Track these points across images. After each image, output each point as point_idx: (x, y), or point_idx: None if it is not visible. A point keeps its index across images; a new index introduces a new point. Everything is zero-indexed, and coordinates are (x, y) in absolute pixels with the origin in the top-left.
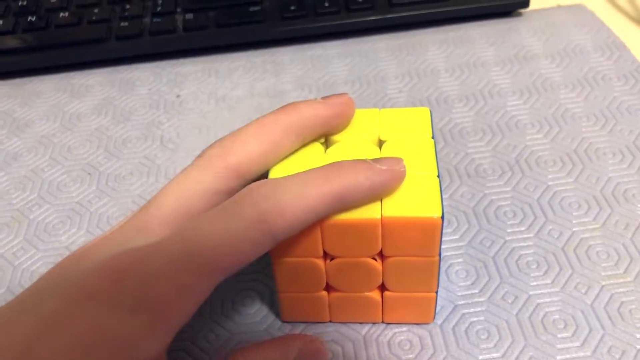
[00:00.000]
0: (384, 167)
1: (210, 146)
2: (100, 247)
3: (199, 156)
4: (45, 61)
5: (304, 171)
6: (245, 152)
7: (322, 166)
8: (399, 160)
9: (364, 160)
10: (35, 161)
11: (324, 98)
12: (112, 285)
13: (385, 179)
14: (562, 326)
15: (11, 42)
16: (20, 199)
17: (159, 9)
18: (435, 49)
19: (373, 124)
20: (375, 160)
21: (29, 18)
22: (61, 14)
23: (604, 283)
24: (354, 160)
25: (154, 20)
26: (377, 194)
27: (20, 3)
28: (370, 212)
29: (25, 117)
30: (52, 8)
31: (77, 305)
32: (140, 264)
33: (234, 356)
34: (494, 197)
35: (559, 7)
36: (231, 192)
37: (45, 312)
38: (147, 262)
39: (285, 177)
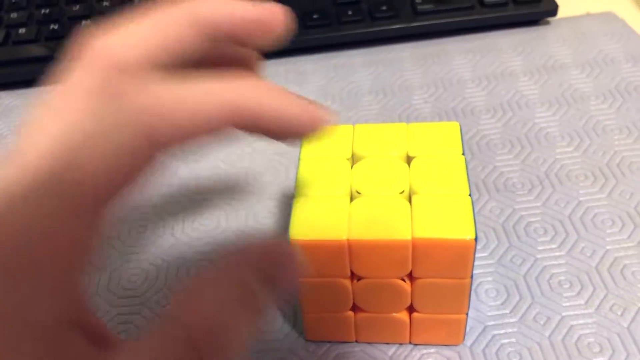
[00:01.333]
0: (304, 102)
1: (86, 41)
2: None
3: (76, 58)
4: None
5: (200, 79)
6: (130, 45)
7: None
8: (322, 106)
9: (285, 90)
10: None
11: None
12: None
13: (299, 114)
14: (597, 350)
15: (34, 50)
16: None
17: None
18: (461, 58)
19: (401, 139)
20: (299, 97)
21: (52, 26)
22: (83, 22)
23: None
24: (273, 84)
25: None
26: (284, 128)
27: (43, 11)
28: (401, 233)
29: None
30: (75, 16)
31: None
32: (7, 221)
33: (175, 306)
34: (523, 213)
35: (589, 15)
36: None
37: None
38: (15, 217)
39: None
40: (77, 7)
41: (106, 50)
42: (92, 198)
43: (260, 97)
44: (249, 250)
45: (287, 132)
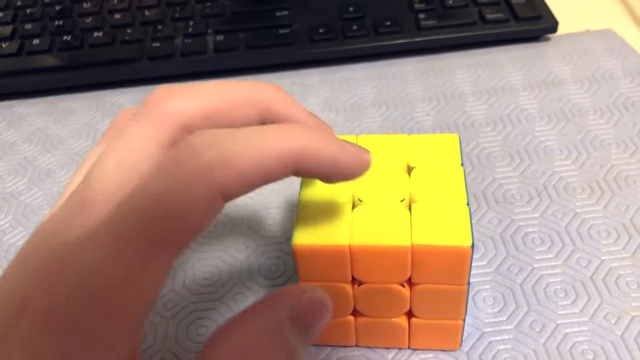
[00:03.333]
0: (352, 148)
1: (155, 92)
2: (41, 238)
3: (142, 104)
4: (79, 80)
5: (260, 126)
6: (193, 104)
7: (289, 124)
8: (367, 151)
9: (332, 134)
10: (67, 178)
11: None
12: (45, 298)
13: (349, 159)
14: (591, 357)
15: (47, 60)
16: None
17: (190, 30)
18: (463, 72)
19: (402, 150)
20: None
21: (65, 37)
22: (95, 34)
23: (634, 314)
24: (321, 130)
25: (186, 41)
26: (337, 172)
27: (56, 23)
28: (400, 239)
29: (59, 134)
30: (87, 28)
31: (12, 327)
32: (75, 260)
33: (212, 340)
34: (521, 224)
35: (588, 32)
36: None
37: None
38: (83, 256)
39: (236, 128)
40: (89, 19)
41: (174, 110)
42: (168, 250)
43: (317, 142)
44: (284, 297)
45: (340, 177)
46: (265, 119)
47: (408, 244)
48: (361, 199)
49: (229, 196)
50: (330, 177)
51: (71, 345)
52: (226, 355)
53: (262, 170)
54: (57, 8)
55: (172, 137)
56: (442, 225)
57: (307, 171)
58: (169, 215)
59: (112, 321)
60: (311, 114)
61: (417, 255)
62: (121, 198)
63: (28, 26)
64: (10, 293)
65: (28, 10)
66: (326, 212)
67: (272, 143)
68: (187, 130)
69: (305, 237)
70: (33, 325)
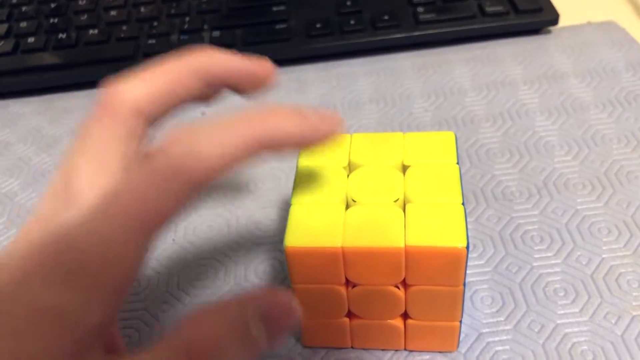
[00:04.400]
0: (313, 119)
1: (103, 87)
2: (35, 223)
3: (96, 102)
4: (74, 78)
5: (225, 116)
6: (142, 90)
7: (249, 109)
8: (330, 117)
9: (298, 110)
10: None
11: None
12: (45, 262)
13: (316, 131)
14: (590, 358)
15: (42, 59)
16: None
17: (186, 26)
18: (462, 67)
19: (397, 149)
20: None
21: (60, 35)
22: (91, 32)
23: (634, 313)
24: (284, 107)
25: (182, 37)
26: (304, 145)
27: (51, 21)
28: (394, 241)
29: (54, 134)
30: (82, 26)
31: (13, 287)
32: (71, 236)
33: (180, 326)
34: (521, 221)
35: (590, 24)
36: (140, 133)
37: None
38: (78, 233)
39: (204, 122)
40: (84, 17)
41: (125, 101)
42: (146, 234)
43: (276, 123)
44: (253, 295)
45: (305, 146)
46: (209, 83)
47: (402, 245)
48: (355, 199)
49: (200, 187)
50: (298, 148)
51: (64, 300)
52: (192, 337)
53: (228, 161)
54: (52, 6)
55: (130, 127)
56: (436, 225)
57: (273, 149)
58: (148, 208)
59: (91, 290)
60: (247, 58)
61: (411, 257)
62: (105, 192)
63: (23, 24)
64: (8, 264)
65: (23, 8)
66: (319, 212)
67: (236, 135)
68: (143, 115)
69: (297, 239)
70: (33, 287)
